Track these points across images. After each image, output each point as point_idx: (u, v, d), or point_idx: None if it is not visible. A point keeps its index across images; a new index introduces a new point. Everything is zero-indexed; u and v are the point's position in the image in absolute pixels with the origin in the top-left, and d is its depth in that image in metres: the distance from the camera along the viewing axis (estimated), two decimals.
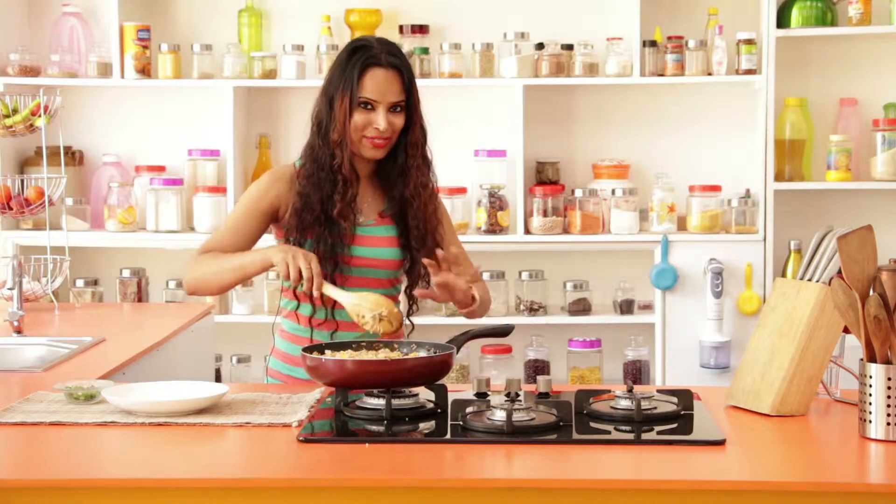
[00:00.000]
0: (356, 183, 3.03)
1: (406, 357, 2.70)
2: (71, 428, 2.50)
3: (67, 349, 3.44)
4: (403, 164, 3.04)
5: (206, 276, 2.98)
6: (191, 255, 3.04)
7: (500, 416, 2.44)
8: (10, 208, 4.30)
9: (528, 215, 4.90)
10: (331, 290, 2.85)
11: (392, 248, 3.06)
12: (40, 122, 4.28)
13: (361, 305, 2.82)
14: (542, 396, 2.65)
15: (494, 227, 4.86)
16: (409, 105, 3.01)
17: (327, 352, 2.71)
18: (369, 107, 2.97)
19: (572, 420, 2.49)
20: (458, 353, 2.75)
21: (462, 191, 4.91)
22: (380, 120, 2.96)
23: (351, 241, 3.02)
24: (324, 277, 2.91)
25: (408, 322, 3.10)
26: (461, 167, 5.00)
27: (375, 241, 3.05)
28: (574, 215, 4.88)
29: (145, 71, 4.94)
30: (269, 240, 3.15)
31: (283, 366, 3.09)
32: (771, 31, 4.78)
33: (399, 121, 3.00)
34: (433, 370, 2.64)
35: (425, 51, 4.90)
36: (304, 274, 2.80)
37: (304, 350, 2.70)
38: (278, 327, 3.15)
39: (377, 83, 2.96)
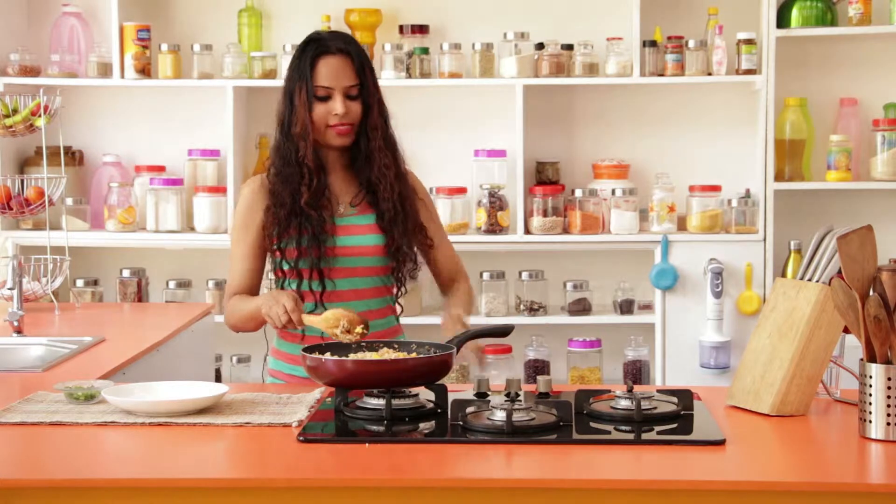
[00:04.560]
0: (323, 173, 3.07)
1: (406, 357, 2.70)
2: (71, 428, 2.50)
3: (67, 349, 3.44)
4: (366, 149, 3.08)
5: (236, 324, 3.10)
6: (223, 298, 3.12)
7: (500, 416, 2.44)
8: (10, 208, 4.31)
9: (528, 215, 4.90)
10: (307, 319, 2.86)
11: (374, 235, 3.08)
12: (40, 122, 4.28)
13: (327, 326, 2.80)
14: (542, 396, 2.65)
15: (494, 227, 4.86)
16: (364, 90, 3.04)
17: (327, 352, 2.72)
18: (327, 97, 3.02)
19: (572, 420, 2.49)
20: (458, 352, 2.75)
21: (462, 191, 4.91)
22: (337, 106, 3.01)
23: (333, 232, 3.05)
24: (308, 275, 3.02)
25: (398, 306, 3.16)
26: (461, 167, 5.01)
27: (357, 229, 3.08)
28: (574, 215, 4.88)
29: (145, 71, 4.93)
30: None
31: (285, 365, 3.10)
32: (771, 31, 4.78)
33: (356, 106, 3.04)
34: (433, 370, 2.64)
35: (425, 51, 4.90)
36: (283, 318, 2.84)
37: (304, 350, 2.70)
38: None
39: (329, 70, 3.02)
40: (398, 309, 3.20)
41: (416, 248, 3.15)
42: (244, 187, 3.16)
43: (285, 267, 3.05)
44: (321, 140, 3.06)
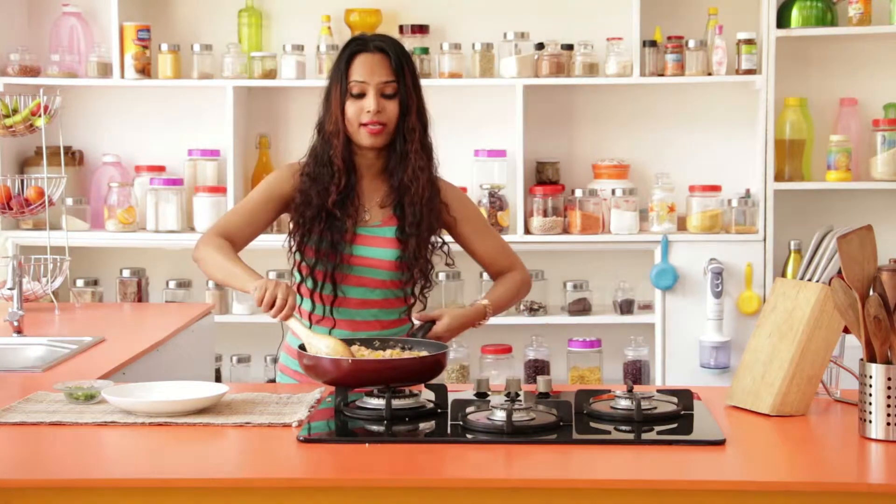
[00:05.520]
0: (353, 174, 3.05)
1: (403, 357, 2.71)
2: (71, 428, 2.50)
3: (67, 349, 3.44)
4: (402, 150, 3.04)
5: (205, 264, 3.00)
6: (207, 230, 3.07)
7: (500, 416, 2.44)
8: (10, 208, 4.30)
9: (528, 215, 4.90)
10: (294, 324, 2.80)
11: (392, 250, 3.06)
12: (40, 122, 4.28)
13: (318, 347, 2.72)
14: (542, 396, 2.65)
15: (494, 227, 4.86)
16: (403, 90, 3.01)
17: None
18: (361, 94, 2.99)
19: (572, 420, 2.49)
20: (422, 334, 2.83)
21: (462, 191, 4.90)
22: (370, 102, 2.98)
23: (352, 241, 3.03)
24: (322, 278, 2.98)
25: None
26: (461, 167, 4.99)
27: (377, 241, 3.06)
28: (574, 215, 4.88)
29: (145, 71, 4.93)
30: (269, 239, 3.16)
31: (293, 361, 3.10)
32: (771, 31, 4.78)
33: (392, 106, 3.01)
34: (429, 369, 2.66)
35: (425, 51, 4.90)
36: (278, 303, 2.74)
37: (300, 347, 2.71)
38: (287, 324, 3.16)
39: (364, 66, 3.00)
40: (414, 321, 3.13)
41: (432, 258, 3.12)
42: (286, 164, 3.14)
43: (304, 266, 3.05)
44: (355, 140, 3.02)
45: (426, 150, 3.06)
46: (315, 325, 3.04)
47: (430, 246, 3.10)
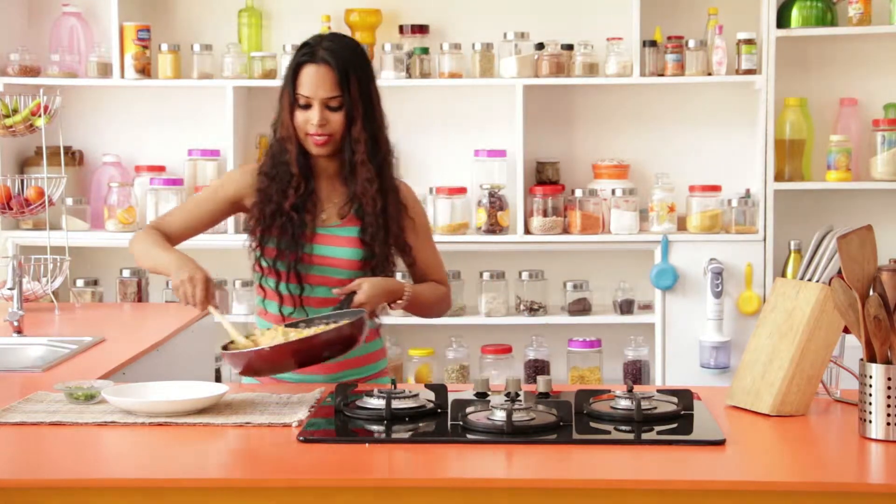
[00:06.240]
0: (311, 179, 3.06)
1: (318, 332, 2.70)
2: (71, 428, 2.50)
3: (67, 349, 3.44)
4: (350, 161, 3.04)
5: (136, 252, 3.07)
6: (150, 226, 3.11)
7: (500, 416, 2.44)
8: (10, 208, 4.31)
9: (528, 215, 4.90)
10: (215, 314, 2.85)
11: (353, 249, 3.05)
12: (40, 122, 4.28)
13: (238, 340, 2.79)
14: (542, 396, 2.65)
15: (494, 227, 4.86)
16: (348, 101, 2.99)
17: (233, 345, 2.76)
18: (307, 105, 2.99)
19: (572, 420, 2.49)
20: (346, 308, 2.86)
21: (462, 191, 4.91)
22: (314, 115, 2.98)
23: (311, 240, 3.04)
24: (283, 278, 3.02)
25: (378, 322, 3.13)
26: (461, 167, 5.01)
27: (336, 240, 3.06)
28: (574, 215, 4.88)
29: (145, 71, 4.93)
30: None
31: (265, 323, 3.09)
32: (771, 31, 4.78)
33: (337, 118, 3.00)
34: (344, 340, 2.70)
35: (425, 51, 4.90)
36: (189, 301, 2.84)
37: (223, 348, 2.74)
38: (254, 326, 3.18)
39: (310, 79, 2.99)
40: (377, 320, 3.14)
41: (395, 265, 3.12)
42: (239, 166, 3.17)
43: (264, 264, 3.05)
44: (305, 147, 3.04)
45: (376, 159, 3.03)
46: (280, 325, 3.04)
47: (392, 248, 3.09)
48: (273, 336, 2.75)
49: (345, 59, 3.00)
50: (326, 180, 3.10)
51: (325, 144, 3.01)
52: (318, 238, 3.05)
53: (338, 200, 3.09)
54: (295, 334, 2.74)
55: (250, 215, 3.09)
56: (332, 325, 2.76)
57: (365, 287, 2.94)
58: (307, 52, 3.01)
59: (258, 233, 3.05)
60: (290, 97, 3.00)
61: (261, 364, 2.67)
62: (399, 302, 3.03)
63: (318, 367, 2.84)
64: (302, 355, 2.67)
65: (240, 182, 3.11)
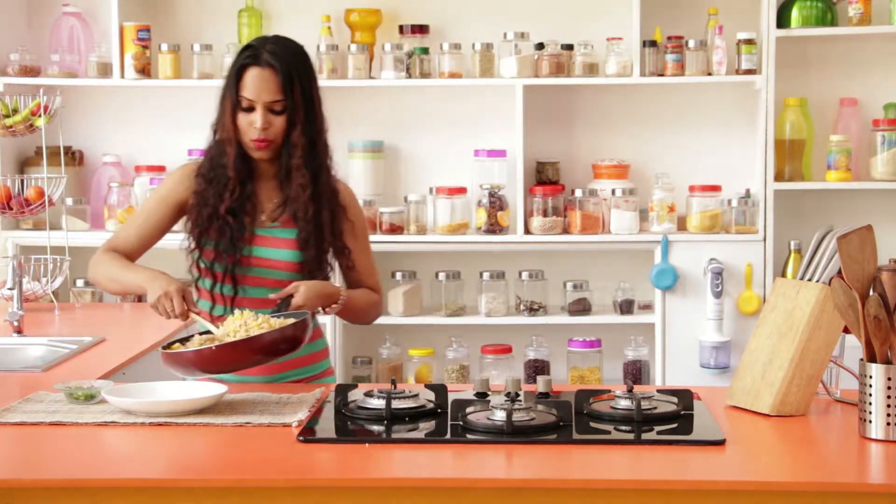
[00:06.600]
0: (249, 182, 3.04)
1: (262, 332, 2.70)
2: (71, 428, 2.50)
3: (67, 349, 3.44)
4: (287, 165, 3.02)
5: (100, 280, 3.06)
6: (100, 246, 3.09)
7: (500, 416, 2.44)
8: (10, 208, 4.31)
9: (528, 215, 4.90)
10: (199, 320, 2.87)
11: (291, 251, 3.04)
12: (40, 122, 4.29)
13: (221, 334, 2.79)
14: (542, 396, 2.65)
15: (494, 227, 4.86)
16: (290, 105, 2.98)
17: (179, 344, 2.78)
18: (250, 108, 2.98)
19: (572, 420, 2.49)
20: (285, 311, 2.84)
21: (462, 191, 4.91)
22: (257, 119, 2.97)
23: (250, 242, 3.03)
24: (220, 279, 3.00)
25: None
26: (461, 167, 5.01)
27: (275, 242, 3.05)
28: (574, 215, 4.88)
29: (145, 71, 4.93)
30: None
31: None
32: (771, 31, 4.78)
33: (279, 121, 2.98)
34: (289, 340, 2.70)
35: (425, 51, 4.90)
36: (170, 316, 2.86)
37: (163, 348, 2.75)
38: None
39: (253, 83, 2.97)
40: (317, 320, 3.14)
41: (332, 267, 3.11)
42: (180, 167, 3.15)
43: (202, 266, 3.04)
44: (246, 149, 3.02)
45: (312, 165, 3.02)
46: (217, 303, 3.05)
47: (329, 250, 3.08)
48: (206, 339, 2.74)
49: (289, 62, 2.99)
50: (266, 181, 3.08)
51: (266, 148, 3.00)
52: (258, 239, 3.04)
53: (277, 201, 3.07)
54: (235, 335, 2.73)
55: (188, 217, 3.07)
56: (277, 326, 2.75)
57: (302, 290, 2.92)
58: (251, 55, 2.99)
59: (196, 234, 3.04)
60: (233, 99, 2.98)
61: (203, 364, 2.66)
62: (334, 306, 3.01)
63: (260, 368, 2.84)
64: (250, 354, 2.66)
65: (186, 184, 3.09)
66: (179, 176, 3.13)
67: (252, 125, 2.97)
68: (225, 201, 3.01)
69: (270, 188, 3.08)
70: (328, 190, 3.06)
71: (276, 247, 3.04)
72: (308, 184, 3.01)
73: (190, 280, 3.10)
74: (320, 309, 3.01)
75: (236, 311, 2.82)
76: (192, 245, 3.05)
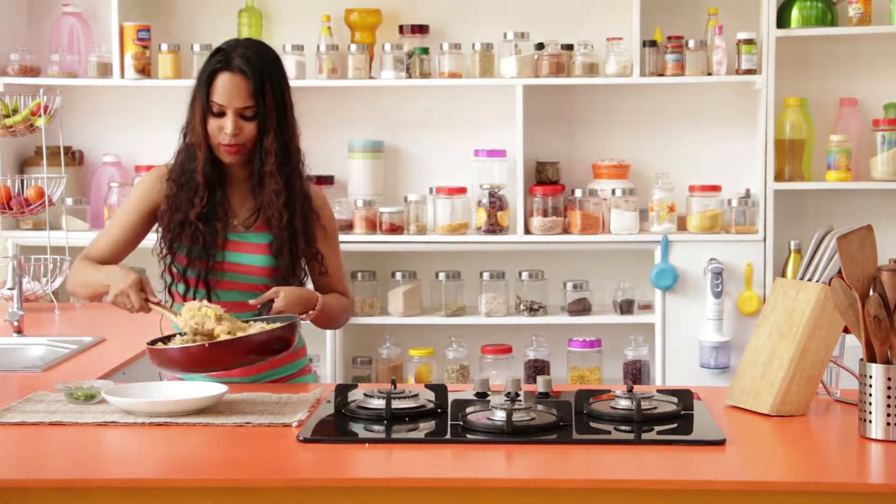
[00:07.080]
0: (220, 187, 3.03)
1: (249, 334, 2.70)
2: (71, 428, 2.50)
3: (67, 349, 3.44)
4: (259, 171, 3.01)
5: (74, 288, 3.07)
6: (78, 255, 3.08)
7: (500, 416, 2.44)
8: (10, 208, 4.31)
9: (528, 215, 4.90)
10: (160, 311, 2.88)
11: (264, 256, 3.03)
12: (40, 122, 4.29)
13: (183, 324, 2.78)
14: (542, 396, 2.65)
15: (494, 227, 4.86)
16: (262, 111, 2.96)
17: (168, 341, 2.77)
18: (221, 113, 2.96)
19: (572, 420, 2.49)
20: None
21: (462, 191, 4.91)
22: (228, 125, 2.95)
23: (223, 247, 3.02)
24: (193, 284, 3.00)
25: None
26: (461, 167, 5.01)
27: (248, 247, 3.04)
28: (574, 215, 4.88)
29: (145, 71, 4.93)
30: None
31: None
32: (771, 31, 4.78)
33: (250, 127, 2.96)
34: (280, 341, 2.70)
35: (425, 51, 4.90)
36: (131, 311, 2.86)
37: (148, 344, 2.74)
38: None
39: (224, 88, 2.95)
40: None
41: (305, 273, 3.09)
42: (154, 170, 3.12)
43: (175, 270, 3.03)
44: (217, 154, 3.00)
45: (284, 170, 3.00)
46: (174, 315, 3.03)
47: (303, 256, 3.06)
48: (188, 339, 2.74)
49: (261, 68, 2.97)
50: (238, 186, 3.07)
51: (237, 153, 2.98)
52: (230, 245, 3.03)
53: (250, 206, 3.05)
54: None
55: (159, 223, 3.06)
56: (269, 327, 2.75)
57: (282, 295, 2.91)
58: (222, 59, 2.97)
59: (168, 240, 3.03)
60: (203, 104, 2.96)
61: (192, 362, 2.65)
62: (311, 312, 2.99)
63: (240, 369, 2.84)
64: (241, 354, 2.66)
65: (158, 188, 3.06)
66: (151, 180, 3.10)
67: (222, 130, 2.96)
68: (195, 207, 2.99)
69: (243, 192, 3.06)
70: (301, 196, 3.05)
71: (249, 252, 3.03)
72: (282, 190, 3.00)
73: (163, 285, 3.09)
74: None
75: (189, 303, 2.80)
76: (164, 251, 3.04)
